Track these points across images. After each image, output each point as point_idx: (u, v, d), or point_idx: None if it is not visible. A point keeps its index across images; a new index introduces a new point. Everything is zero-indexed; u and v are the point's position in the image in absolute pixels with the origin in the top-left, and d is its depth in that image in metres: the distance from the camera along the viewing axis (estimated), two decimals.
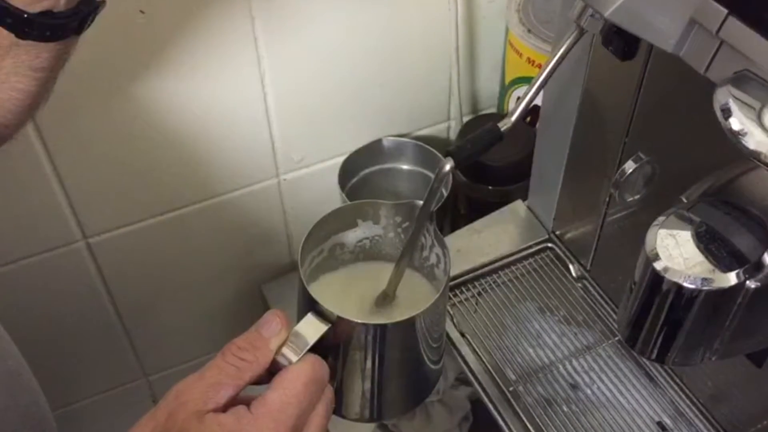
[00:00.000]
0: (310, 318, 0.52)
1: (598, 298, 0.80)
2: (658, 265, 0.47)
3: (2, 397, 0.56)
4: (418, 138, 1.03)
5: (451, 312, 0.80)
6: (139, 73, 0.82)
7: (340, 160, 0.99)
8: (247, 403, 0.47)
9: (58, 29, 0.53)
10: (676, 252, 0.47)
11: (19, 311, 0.94)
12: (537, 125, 0.83)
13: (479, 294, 0.82)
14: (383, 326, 0.52)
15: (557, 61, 0.55)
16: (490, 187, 0.96)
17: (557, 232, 0.85)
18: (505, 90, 1.00)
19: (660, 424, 0.71)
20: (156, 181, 0.91)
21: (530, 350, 0.77)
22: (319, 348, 0.51)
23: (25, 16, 0.50)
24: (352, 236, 0.61)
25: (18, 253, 0.91)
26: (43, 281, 0.94)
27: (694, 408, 0.71)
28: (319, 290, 0.56)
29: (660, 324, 0.50)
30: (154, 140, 0.88)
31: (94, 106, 0.82)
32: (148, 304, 1.05)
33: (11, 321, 0.61)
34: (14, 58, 0.53)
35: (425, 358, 0.57)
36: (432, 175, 0.97)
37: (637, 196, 0.67)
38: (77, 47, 0.72)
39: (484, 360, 0.76)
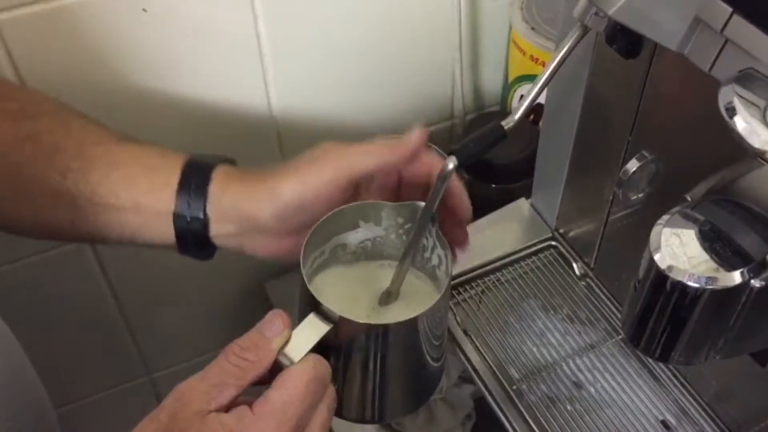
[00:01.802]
0: (312, 318, 0.51)
1: (602, 296, 0.80)
2: (662, 264, 0.47)
3: (5, 396, 0.56)
4: None
5: (454, 310, 0.80)
6: (142, 71, 0.82)
7: None
8: (250, 404, 0.47)
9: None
10: (681, 251, 0.47)
11: (21, 308, 0.95)
12: (540, 123, 0.83)
13: (482, 292, 0.82)
14: (385, 326, 0.52)
15: (561, 59, 0.55)
16: (493, 185, 0.95)
17: (561, 230, 0.85)
18: (508, 88, 1.00)
19: (664, 422, 0.71)
20: None
21: (533, 348, 0.77)
22: (321, 348, 0.51)
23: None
24: (353, 237, 0.61)
25: (21, 251, 0.91)
26: (46, 279, 0.94)
27: (698, 407, 0.71)
28: (320, 291, 0.56)
29: (664, 323, 0.50)
30: (156, 138, 0.87)
31: (95, 104, 0.82)
32: (152, 301, 1.05)
33: (14, 319, 0.61)
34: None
35: (427, 358, 0.57)
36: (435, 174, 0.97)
37: (640, 195, 0.66)
38: (77, 49, 0.73)
39: (488, 358, 0.76)
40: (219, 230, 0.62)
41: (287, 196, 0.59)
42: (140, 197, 0.61)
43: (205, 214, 0.61)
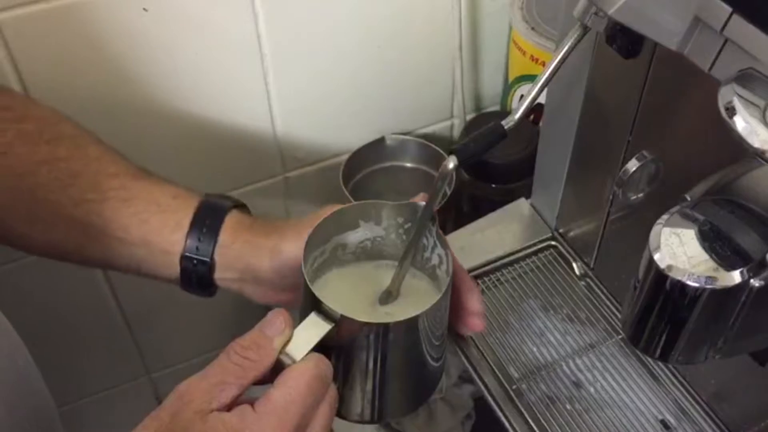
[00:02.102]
0: (313, 317, 0.52)
1: (602, 296, 0.80)
2: (661, 264, 0.47)
3: (12, 397, 0.56)
4: (421, 136, 1.03)
5: None
6: (142, 72, 0.82)
7: (344, 158, 0.99)
8: (251, 403, 0.47)
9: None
10: (680, 250, 0.47)
11: (22, 308, 0.94)
12: (540, 123, 0.83)
13: (482, 292, 0.82)
14: (386, 325, 0.52)
15: (561, 59, 0.55)
16: (493, 185, 0.96)
17: (561, 230, 0.85)
18: (508, 88, 1.00)
19: (663, 422, 0.71)
20: None
21: (533, 348, 0.77)
22: (323, 347, 0.51)
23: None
24: (353, 237, 0.61)
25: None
26: (47, 279, 0.94)
27: (697, 406, 0.71)
28: (321, 290, 0.56)
29: (664, 322, 0.50)
30: (156, 138, 0.88)
31: (96, 104, 0.82)
32: (152, 301, 1.05)
33: (15, 318, 0.61)
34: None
35: (427, 357, 0.57)
36: (435, 173, 0.97)
37: (640, 195, 0.66)
38: (78, 49, 0.72)
39: (488, 358, 0.76)
40: (223, 274, 0.64)
41: (286, 254, 0.61)
42: (150, 235, 0.63)
43: (212, 258, 0.63)
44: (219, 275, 0.64)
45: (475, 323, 0.61)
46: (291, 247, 0.61)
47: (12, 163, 0.61)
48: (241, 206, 0.67)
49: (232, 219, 0.64)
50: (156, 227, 0.63)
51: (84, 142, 0.65)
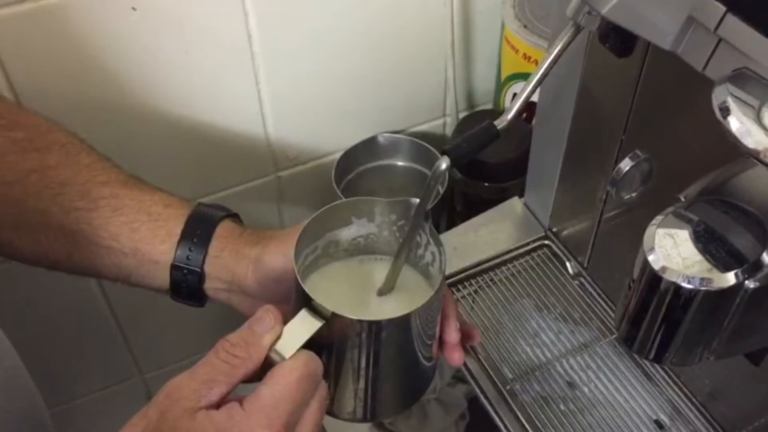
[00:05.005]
0: (303, 314, 0.51)
1: (595, 295, 0.80)
2: (655, 265, 0.47)
3: (0, 399, 0.56)
4: (413, 134, 1.03)
5: None
6: (132, 71, 0.82)
7: (336, 156, 0.98)
8: (240, 400, 0.47)
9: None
10: (674, 251, 0.47)
11: (13, 310, 0.94)
12: (533, 122, 0.83)
13: (476, 292, 0.82)
14: (378, 323, 0.52)
15: (554, 58, 0.55)
16: (486, 184, 0.95)
17: (554, 230, 0.85)
18: (501, 86, 1.00)
19: (657, 422, 0.71)
20: (151, 180, 0.91)
21: (527, 348, 0.77)
22: (313, 345, 0.50)
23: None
24: (346, 234, 0.61)
25: None
26: (38, 280, 0.94)
27: (691, 406, 0.71)
28: (313, 287, 0.56)
29: (658, 324, 0.50)
30: (148, 138, 0.87)
31: (86, 105, 0.81)
32: (143, 301, 1.04)
33: (4, 319, 0.60)
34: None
35: (420, 356, 0.57)
36: (428, 172, 0.97)
37: (634, 194, 0.66)
38: (66, 49, 0.71)
39: (481, 358, 0.76)
40: (212, 284, 0.64)
41: (267, 265, 0.60)
42: (140, 245, 0.62)
43: (202, 268, 0.62)
44: (209, 285, 0.64)
45: (453, 357, 0.60)
46: (272, 258, 0.60)
47: (1, 171, 0.61)
48: (233, 216, 0.66)
49: (222, 229, 0.63)
50: (146, 237, 0.62)
51: (74, 150, 0.64)
